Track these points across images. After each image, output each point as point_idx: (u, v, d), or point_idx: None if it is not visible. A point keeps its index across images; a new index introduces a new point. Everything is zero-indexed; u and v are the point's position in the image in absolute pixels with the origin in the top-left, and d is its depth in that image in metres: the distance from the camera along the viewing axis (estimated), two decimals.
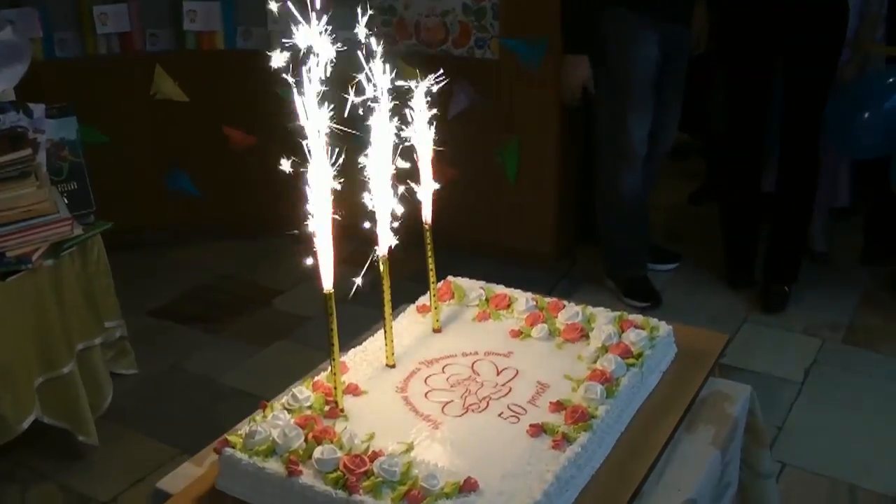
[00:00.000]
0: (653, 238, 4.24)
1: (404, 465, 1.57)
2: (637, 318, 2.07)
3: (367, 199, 1.79)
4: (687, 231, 4.68)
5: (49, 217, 2.78)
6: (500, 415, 1.77)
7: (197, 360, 3.60)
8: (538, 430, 1.70)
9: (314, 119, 1.57)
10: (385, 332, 1.95)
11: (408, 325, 2.13)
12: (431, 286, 2.09)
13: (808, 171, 3.82)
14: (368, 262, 1.77)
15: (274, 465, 1.61)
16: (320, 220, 1.63)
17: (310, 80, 1.56)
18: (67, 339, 2.90)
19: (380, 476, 1.55)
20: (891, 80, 3.71)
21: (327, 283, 1.70)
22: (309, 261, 1.66)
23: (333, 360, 1.76)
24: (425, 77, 1.89)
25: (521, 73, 4.03)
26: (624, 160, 3.78)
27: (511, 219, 4.30)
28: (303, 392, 1.81)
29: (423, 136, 1.91)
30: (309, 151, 1.59)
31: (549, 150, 4.13)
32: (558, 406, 1.76)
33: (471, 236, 4.27)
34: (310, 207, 1.62)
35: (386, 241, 1.85)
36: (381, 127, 1.77)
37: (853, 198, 4.39)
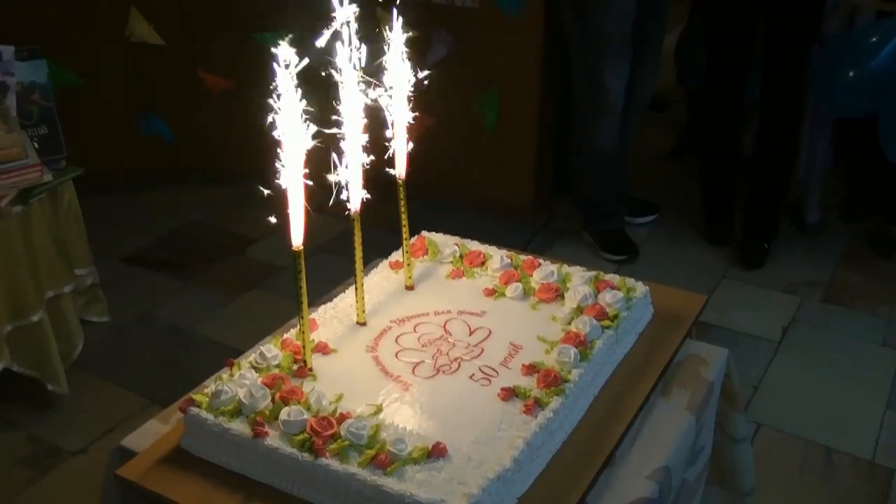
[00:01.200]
0: (632, 190, 4.21)
1: (372, 427, 1.54)
2: (614, 278, 2.03)
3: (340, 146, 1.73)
4: (667, 183, 4.63)
5: (18, 162, 2.72)
6: (471, 377, 1.74)
7: (169, 309, 3.55)
8: (510, 393, 1.67)
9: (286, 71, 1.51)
10: (356, 289, 1.90)
11: (380, 282, 2.08)
12: (404, 243, 2.05)
13: (789, 127, 3.79)
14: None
15: (239, 426, 1.58)
16: (292, 174, 1.58)
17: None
18: (37, 287, 2.84)
19: (347, 439, 1.52)
20: (876, 37, 3.64)
21: (297, 239, 1.65)
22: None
23: (302, 318, 1.72)
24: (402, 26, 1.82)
25: (501, 22, 3.94)
26: (601, 114, 3.74)
27: (489, 169, 4.25)
28: (271, 350, 1.77)
29: (397, 88, 1.86)
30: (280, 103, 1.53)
31: (529, 101, 4.07)
32: (531, 369, 1.73)
33: (448, 186, 4.23)
34: (281, 162, 1.57)
35: (357, 196, 1.80)
36: (352, 79, 1.71)
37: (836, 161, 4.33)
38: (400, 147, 1.91)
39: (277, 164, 1.57)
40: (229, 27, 4.23)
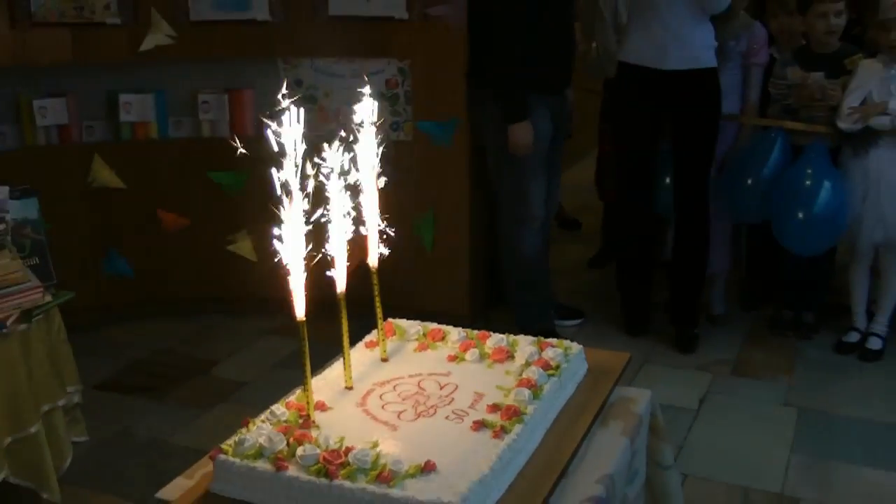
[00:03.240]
0: (557, 298, 4.66)
1: (373, 455, 1.91)
2: (553, 340, 2.46)
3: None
4: (588, 294, 5.12)
5: (23, 285, 3.04)
6: (446, 418, 2.12)
7: (145, 425, 3.83)
8: (480, 425, 2.05)
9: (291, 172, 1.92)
10: (343, 357, 2.28)
11: (359, 358, 2.46)
12: (379, 321, 2.45)
13: (700, 233, 4.27)
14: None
15: (263, 465, 1.93)
16: (293, 254, 1.97)
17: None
18: (35, 400, 3.10)
19: (355, 464, 1.88)
20: (762, 149, 4.21)
21: (300, 311, 2.03)
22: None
23: (306, 378, 2.09)
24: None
25: (433, 151, 4.45)
26: (527, 223, 4.20)
27: (427, 285, 4.63)
28: (279, 409, 2.13)
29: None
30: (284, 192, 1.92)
31: (460, 219, 4.53)
32: (494, 407, 2.11)
33: (391, 302, 4.54)
34: (283, 242, 1.94)
35: (343, 278, 2.20)
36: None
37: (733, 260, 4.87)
38: (372, 236, 2.33)
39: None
40: (185, 168, 4.63)
